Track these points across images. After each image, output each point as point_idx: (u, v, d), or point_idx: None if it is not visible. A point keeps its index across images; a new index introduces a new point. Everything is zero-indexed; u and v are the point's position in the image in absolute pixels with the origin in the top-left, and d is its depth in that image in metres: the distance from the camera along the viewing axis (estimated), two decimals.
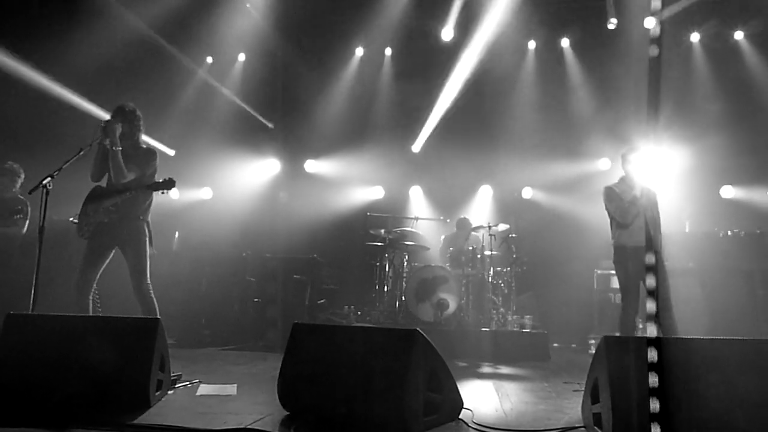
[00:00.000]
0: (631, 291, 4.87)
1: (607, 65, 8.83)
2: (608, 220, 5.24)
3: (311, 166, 10.03)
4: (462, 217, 8.16)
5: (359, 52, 9.99)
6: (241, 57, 9.96)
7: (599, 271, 7.86)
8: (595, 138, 8.77)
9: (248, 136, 9.60)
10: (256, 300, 7.51)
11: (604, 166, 9.25)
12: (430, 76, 9.47)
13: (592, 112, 8.96)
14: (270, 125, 9.99)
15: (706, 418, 2.58)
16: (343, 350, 3.18)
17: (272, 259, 7.81)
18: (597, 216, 8.38)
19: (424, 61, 9.45)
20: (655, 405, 2.51)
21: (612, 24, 8.62)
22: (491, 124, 9.26)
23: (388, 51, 9.96)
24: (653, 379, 2.55)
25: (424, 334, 3.07)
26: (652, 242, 4.37)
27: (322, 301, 7.86)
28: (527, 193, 9.49)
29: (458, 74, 9.38)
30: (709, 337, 2.86)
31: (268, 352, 6.27)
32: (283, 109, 9.76)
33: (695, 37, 9.24)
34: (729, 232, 7.24)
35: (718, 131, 8.13)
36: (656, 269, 4.07)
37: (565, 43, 9.64)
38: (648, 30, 7.88)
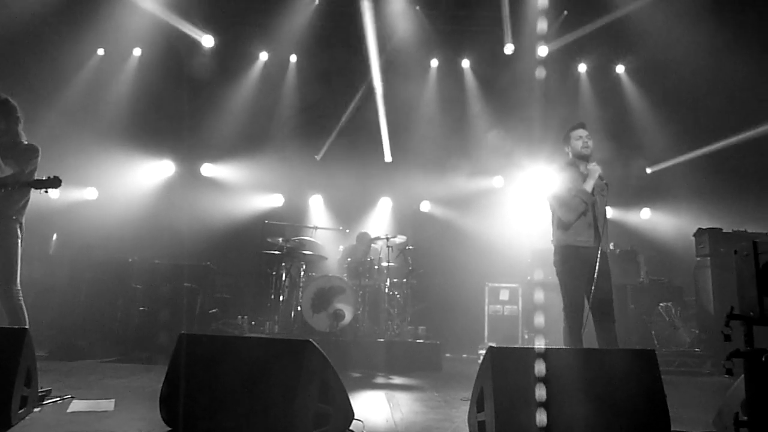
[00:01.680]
0: (575, 298, 4.17)
1: (504, 88, 9.31)
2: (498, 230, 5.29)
3: (208, 169, 9.68)
4: (362, 231, 8.19)
5: (263, 56, 9.82)
6: (137, 51, 9.46)
7: (490, 284, 8.18)
8: (491, 156, 9.19)
9: (142, 135, 9.09)
10: (141, 309, 7.09)
11: (498, 184, 9.70)
12: (336, 86, 9.51)
13: (488, 132, 9.39)
14: (166, 125, 9.52)
15: (583, 425, 2.74)
16: (232, 362, 3.07)
17: (161, 266, 7.42)
18: (490, 232, 8.89)
19: (330, 71, 9.47)
20: (537, 413, 2.65)
21: (509, 49, 9.12)
22: (393, 137, 9.44)
23: (294, 57, 9.88)
24: (536, 388, 2.69)
25: (317, 345, 3.04)
26: (601, 241, 4.22)
27: (213, 310, 7.56)
28: (425, 206, 9.73)
29: (363, 85, 9.49)
30: (590, 348, 3.07)
31: (153, 364, 5.93)
32: (180, 109, 9.35)
33: (582, 67, 10.00)
34: (606, 250, 7.82)
35: (599, 155, 8.80)
36: (607, 273, 4.20)
37: (465, 63, 10.05)
38: (539, 56, 8.47)
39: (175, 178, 9.54)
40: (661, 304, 7.54)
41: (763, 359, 1.84)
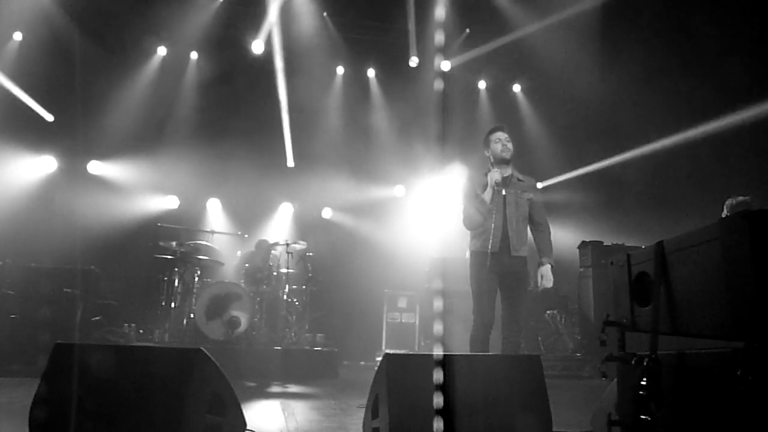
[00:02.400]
0: (482, 305, 4.08)
1: (407, 99, 9.52)
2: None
3: (96, 167, 9.07)
4: (262, 239, 7.99)
5: (162, 51, 9.40)
6: (17, 36, 8.70)
7: (389, 292, 8.30)
8: (393, 166, 9.34)
9: (19, 127, 8.34)
10: (13, 316, 6.48)
11: (399, 193, 9.87)
12: (238, 87, 9.27)
13: (391, 141, 9.55)
14: (49, 118, 8.81)
15: (472, 429, 2.83)
16: (115, 373, 2.88)
17: (38, 269, 6.83)
18: (390, 240, 9.02)
19: (232, 71, 9.22)
20: (429, 419, 2.70)
21: (413, 62, 9.34)
22: (296, 142, 9.35)
23: (194, 55, 9.53)
24: (429, 394, 2.75)
25: (209, 354, 2.92)
26: (509, 247, 4.15)
27: (97, 318, 7.07)
28: (327, 213, 9.71)
29: (266, 88, 9.34)
30: (480, 354, 3.19)
31: (25, 377, 5.43)
32: (66, 102, 8.69)
33: (482, 84, 10.46)
34: (524, 254, 8.20)
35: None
36: (518, 279, 4.24)
37: (371, 73, 10.18)
38: (440, 70, 8.76)
39: (57, 176, 8.83)
40: (548, 311, 8.01)
41: (633, 363, 1.99)
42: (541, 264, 4.25)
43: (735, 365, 1.59)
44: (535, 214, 4.38)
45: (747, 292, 1.61)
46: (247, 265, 7.25)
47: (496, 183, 4.19)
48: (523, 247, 4.22)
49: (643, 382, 1.92)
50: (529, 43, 9.17)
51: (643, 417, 1.86)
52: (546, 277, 4.21)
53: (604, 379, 2.43)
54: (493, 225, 4.14)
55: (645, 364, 1.94)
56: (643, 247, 2.31)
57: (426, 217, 9.32)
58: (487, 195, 4.19)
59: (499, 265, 4.09)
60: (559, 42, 8.94)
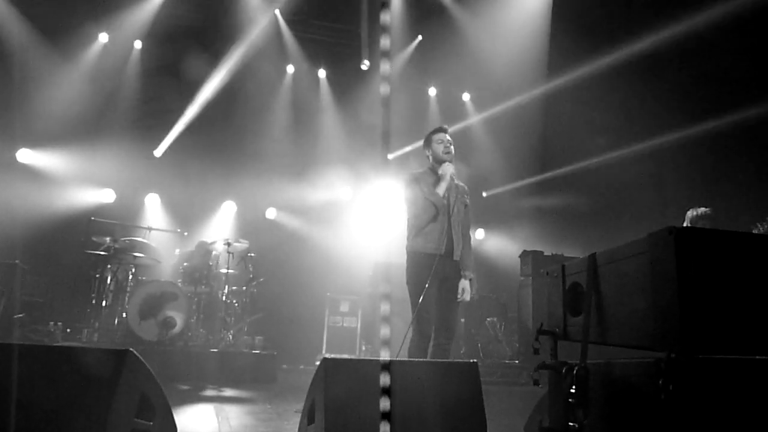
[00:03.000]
0: (422, 310, 3.93)
1: (358, 102, 9.55)
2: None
3: (26, 155, 8.63)
4: (202, 240, 7.76)
5: (103, 38, 9.06)
6: None
7: (331, 295, 8.27)
8: (340, 168, 9.33)
9: None
10: None
11: (345, 196, 9.87)
12: (183, 79, 9.04)
13: (339, 143, 9.54)
14: None
15: None
16: (36, 375, 2.75)
17: None
18: (334, 243, 9.00)
19: (178, 63, 8.99)
20: (367, 426, 2.70)
21: (365, 65, 9.37)
22: (242, 139, 9.21)
23: (138, 44, 9.24)
24: (368, 401, 2.74)
25: (139, 356, 2.83)
26: (454, 249, 4.09)
27: (20, 315, 6.73)
28: (271, 213, 9.60)
29: (213, 82, 9.16)
30: (418, 359, 3.22)
31: None
32: None
33: (432, 91, 10.60)
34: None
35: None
36: (454, 284, 4.18)
37: (322, 73, 10.14)
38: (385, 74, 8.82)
39: None
40: (488, 319, 8.17)
41: (564, 371, 2.06)
42: (463, 276, 4.15)
43: (657, 375, 1.66)
44: (466, 224, 4.32)
45: (670, 305, 1.69)
46: (185, 264, 7.07)
47: (453, 178, 4.15)
48: (459, 252, 4.19)
49: (573, 390, 1.99)
50: (480, 53, 9.37)
51: (571, 424, 1.92)
52: (466, 290, 4.14)
53: (537, 386, 2.50)
54: (438, 226, 4.06)
55: (575, 372, 2.01)
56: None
57: (371, 221, 9.36)
58: (442, 188, 4.10)
59: (442, 269, 4.00)
60: (508, 53, 9.18)
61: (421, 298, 3.93)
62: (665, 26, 7.84)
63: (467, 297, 4.17)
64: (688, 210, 5.36)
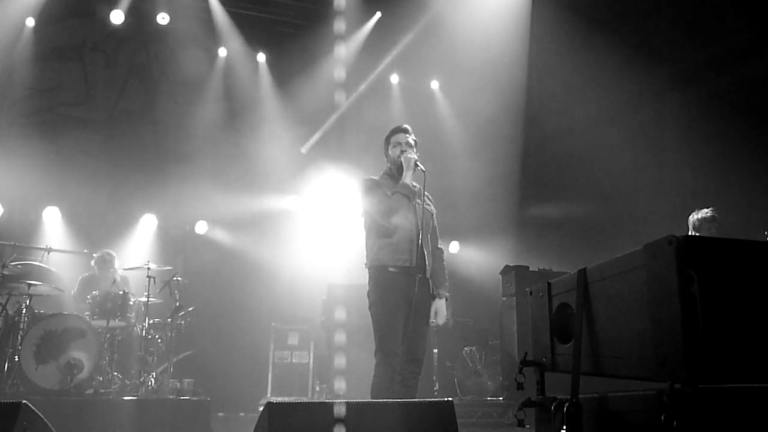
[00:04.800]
0: (390, 338, 3.89)
1: (306, 91, 9.54)
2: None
3: None
4: (104, 251, 7.61)
5: None
6: None
7: (276, 326, 8.19)
8: (285, 171, 9.30)
9: None
10: None
11: (291, 205, 9.82)
12: (89, 66, 8.89)
13: (283, 141, 9.51)
14: None
15: None
16: None
17: None
18: (280, 261, 8.94)
19: (82, 45, 8.83)
20: None
21: (312, 48, 9.38)
22: (164, 138, 9.11)
23: (30, 22, 9.03)
24: None
25: (35, 409, 2.76)
26: (426, 263, 4.08)
27: None
28: (201, 227, 9.48)
29: (128, 69, 9.03)
30: (382, 400, 3.20)
31: None
32: None
33: (395, 78, 10.67)
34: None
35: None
36: (425, 305, 4.05)
37: (261, 57, 10.10)
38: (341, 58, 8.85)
39: None
40: (465, 348, 8.22)
41: (552, 408, 2.09)
42: (437, 296, 4.20)
43: (659, 409, 1.70)
44: (435, 236, 4.38)
45: (671, 328, 1.73)
46: (94, 292, 6.92)
47: (416, 163, 4.17)
48: (430, 267, 4.21)
49: (563, 430, 2.02)
50: (449, 35, 9.48)
51: None
52: (440, 313, 4.20)
53: (523, 427, 2.53)
54: (404, 234, 4.06)
55: (564, 409, 2.04)
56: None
57: (324, 235, 9.33)
58: (407, 176, 4.14)
59: (412, 287, 3.97)
60: (484, 35, 9.33)
61: (387, 325, 3.92)
62: None
63: (441, 320, 4.21)
64: (691, 214, 5.50)
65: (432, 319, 4.17)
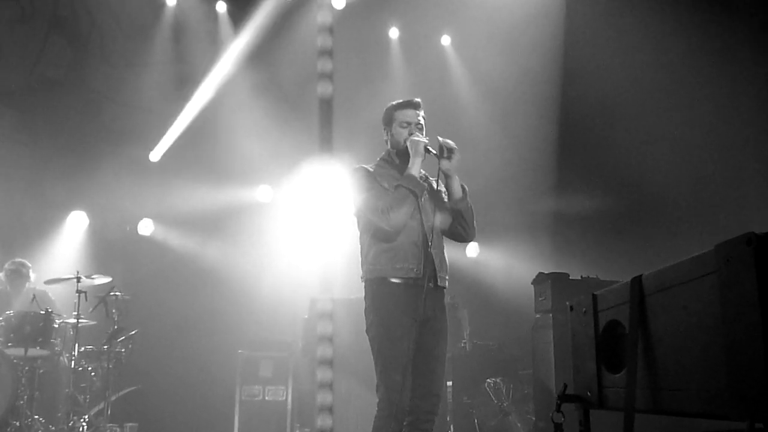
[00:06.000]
0: (395, 366, 3.90)
1: (278, 49, 9.52)
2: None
3: None
4: (17, 260, 7.60)
5: None
6: None
7: (245, 353, 8.19)
8: (253, 154, 9.28)
9: None
10: None
11: (263, 197, 9.81)
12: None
13: (250, 116, 9.49)
14: None
15: None
16: None
17: None
18: (249, 269, 8.93)
19: None
20: None
21: None
22: (97, 113, 9.10)
23: None
24: None
25: None
26: (436, 271, 4.10)
27: None
28: (146, 227, 9.48)
29: (49, 23, 9.04)
30: None
31: None
32: None
33: (394, 33, 10.65)
34: (445, 285, 8.41)
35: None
36: (443, 325, 4.07)
37: (221, 7, 10.08)
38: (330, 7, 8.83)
39: None
40: (488, 380, 8.21)
41: None
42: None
43: None
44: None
45: (752, 351, 1.72)
46: (8, 312, 6.93)
47: (426, 149, 4.17)
48: (446, 273, 4.27)
49: None
50: None
51: None
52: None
53: None
54: (408, 237, 4.10)
55: None
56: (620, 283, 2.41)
57: (306, 235, 9.31)
58: (416, 165, 4.15)
59: (420, 302, 3.96)
60: None
61: (390, 353, 3.93)
62: None
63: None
64: None
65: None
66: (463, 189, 4.35)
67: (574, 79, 9.80)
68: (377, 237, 4.14)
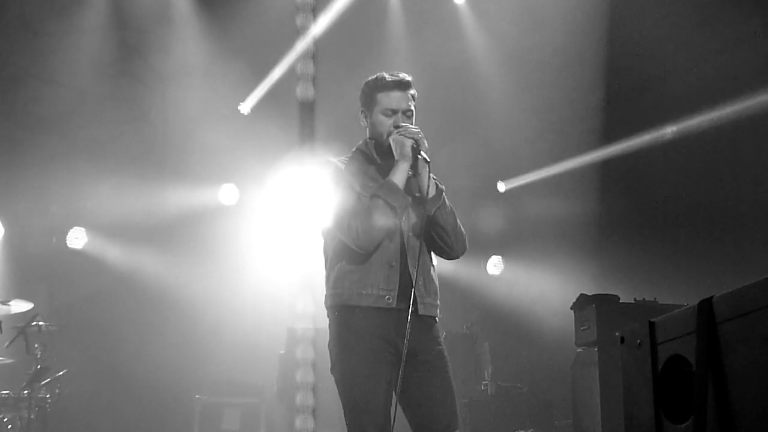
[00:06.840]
0: (365, 415, 3.93)
1: (248, 19, 9.53)
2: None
3: None
4: None
5: None
6: None
7: (201, 398, 8.20)
8: (213, 147, 9.30)
9: None
10: None
11: (227, 198, 9.82)
12: None
13: (210, 100, 9.50)
14: None
15: None
16: None
17: None
18: (210, 288, 8.93)
19: None
20: None
21: None
22: (13, 96, 9.12)
23: None
24: None
25: None
26: (421, 297, 4.05)
27: None
28: (77, 238, 9.48)
29: None
30: None
31: None
32: None
33: None
34: (435, 315, 8.45)
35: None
36: (439, 362, 4.01)
37: None
38: None
39: None
40: (518, 431, 8.22)
41: None
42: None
43: None
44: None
45: None
46: None
47: (415, 150, 4.03)
48: (434, 299, 4.23)
49: None
50: None
51: None
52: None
53: None
54: (380, 256, 4.07)
55: None
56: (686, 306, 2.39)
57: (280, 247, 9.33)
58: (400, 175, 4.06)
59: (397, 330, 3.97)
60: None
61: (357, 396, 3.93)
62: None
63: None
64: None
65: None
66: (438, 188, 4.17)
67: (623, 50, 9.80)
68: (341, 254, 4.12)
